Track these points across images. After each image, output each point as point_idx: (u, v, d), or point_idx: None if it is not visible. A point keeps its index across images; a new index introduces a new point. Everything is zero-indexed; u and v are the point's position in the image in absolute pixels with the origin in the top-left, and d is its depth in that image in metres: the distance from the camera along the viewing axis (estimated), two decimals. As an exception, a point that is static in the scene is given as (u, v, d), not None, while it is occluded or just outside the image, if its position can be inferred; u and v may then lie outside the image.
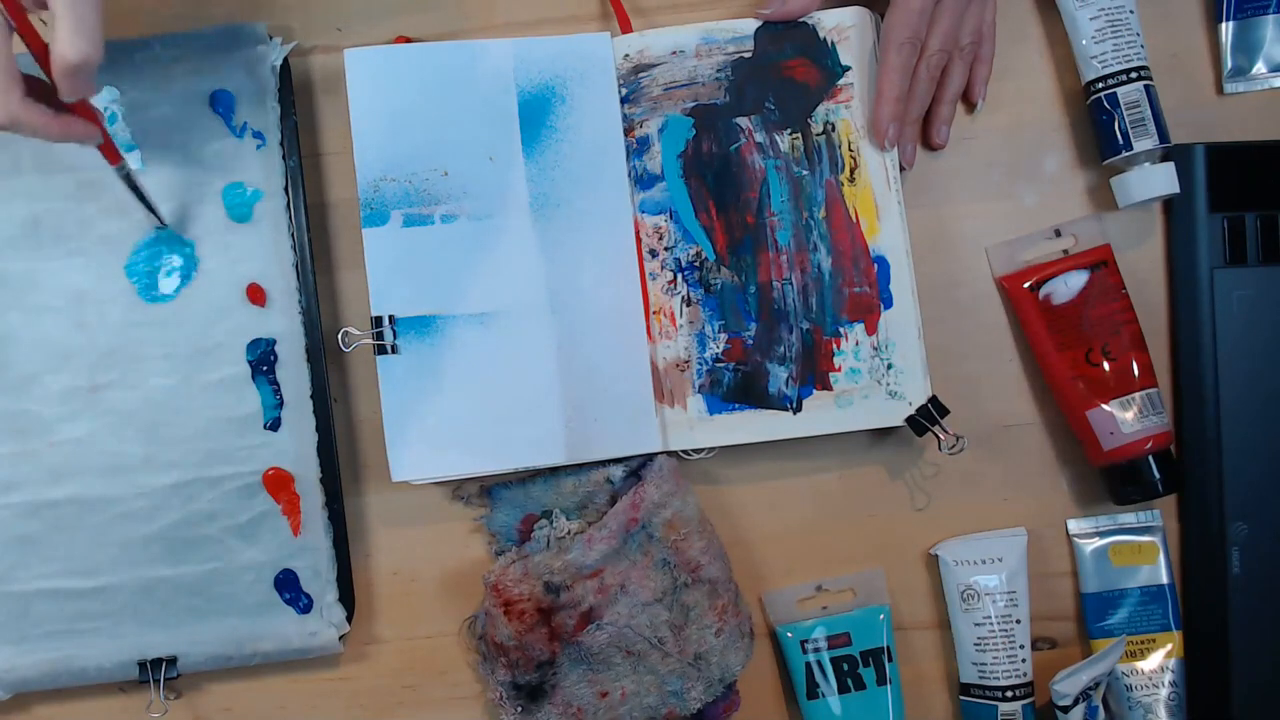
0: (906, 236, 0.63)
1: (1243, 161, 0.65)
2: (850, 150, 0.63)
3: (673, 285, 0.64)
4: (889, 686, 0.65)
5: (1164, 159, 0.63)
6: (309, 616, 0.63)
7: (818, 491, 0.66)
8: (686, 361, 0.63)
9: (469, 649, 0.65)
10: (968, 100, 0.66)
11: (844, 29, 0.63)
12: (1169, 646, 0.65)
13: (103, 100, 0.62)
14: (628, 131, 0.63)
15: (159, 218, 0.62)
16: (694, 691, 0.62)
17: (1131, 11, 0.63)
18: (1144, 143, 0.62)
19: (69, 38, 0.48)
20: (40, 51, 0.50)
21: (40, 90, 0.51)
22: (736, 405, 0.63)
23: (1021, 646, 0.64)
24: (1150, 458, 0.63)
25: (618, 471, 0.64)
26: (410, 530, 0.65)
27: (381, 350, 0.61)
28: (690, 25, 0.63)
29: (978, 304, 0.66)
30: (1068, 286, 0.64)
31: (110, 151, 0.57)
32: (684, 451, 0.64)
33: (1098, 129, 0.64)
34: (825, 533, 0.66)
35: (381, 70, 0.61)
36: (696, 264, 0.63)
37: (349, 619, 0.63)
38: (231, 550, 0.63)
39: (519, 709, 0.62)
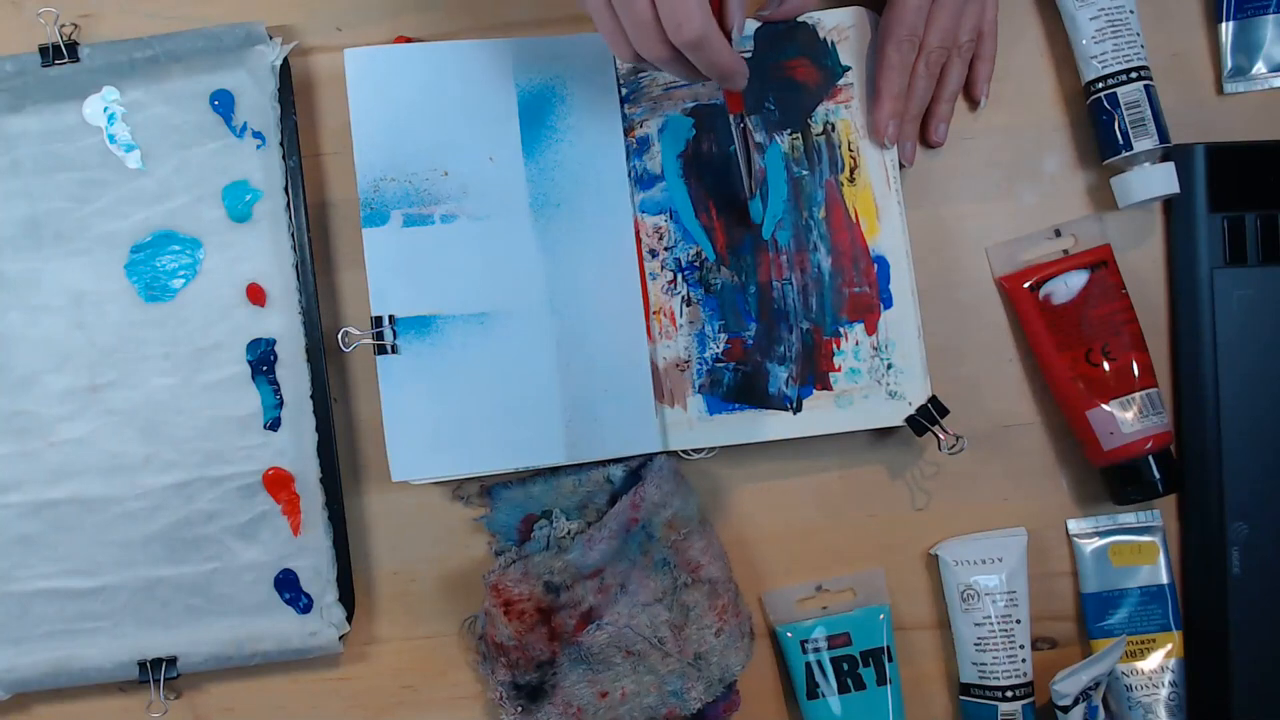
0: (906, 236, 0.63)
1: (1243, 161, 0.65)
2: (850, 150, 0.63)
3: (673, 285, 0.64)
4: (889, 686, 0.65)
5: (1164, 159, 0.63)
6: (309, 616, 0.63)
7: (818, 491, 0.66)
8: (686, 361, 0.63)
9: (469, 649, 0.65)
10: (971, 98, 0.66)
11: (844, 29, 0.63)
12: (1169, 646, 0.65)
13: (103, 100, 0.62)
14: (628, 131, 0.63)
15: (750, 185, 0.60)
16: (694, 691, 0.62)
17: (1131, 11, 0.63)
18: (1144, 143, 0.62)
19: None
20: None
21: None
22: (736, 405, 0.63)
23: (1021, 646, 0.64)
24: (1150, 458, 0.63)
25: (618, 471, 0.63)
26: (410, 530, 0.65)
27: (381, 350, 0.61)
28: (690, 25, 0.63)
29: (978, 304, 0.66)
30: (1068, 286, 0.64)
31: (735, 98, 0.57)
32: (684, 451, 0.64)
33: (1098, 129, 0.64)
34: (825, 533, 0.66)
35: (381, 70, 0.61)
36: (696, 264, 0.63)
37: (349, 619, 0.63)
38: (231, 550, 0.63)
39: (519, 709, 0.62)
